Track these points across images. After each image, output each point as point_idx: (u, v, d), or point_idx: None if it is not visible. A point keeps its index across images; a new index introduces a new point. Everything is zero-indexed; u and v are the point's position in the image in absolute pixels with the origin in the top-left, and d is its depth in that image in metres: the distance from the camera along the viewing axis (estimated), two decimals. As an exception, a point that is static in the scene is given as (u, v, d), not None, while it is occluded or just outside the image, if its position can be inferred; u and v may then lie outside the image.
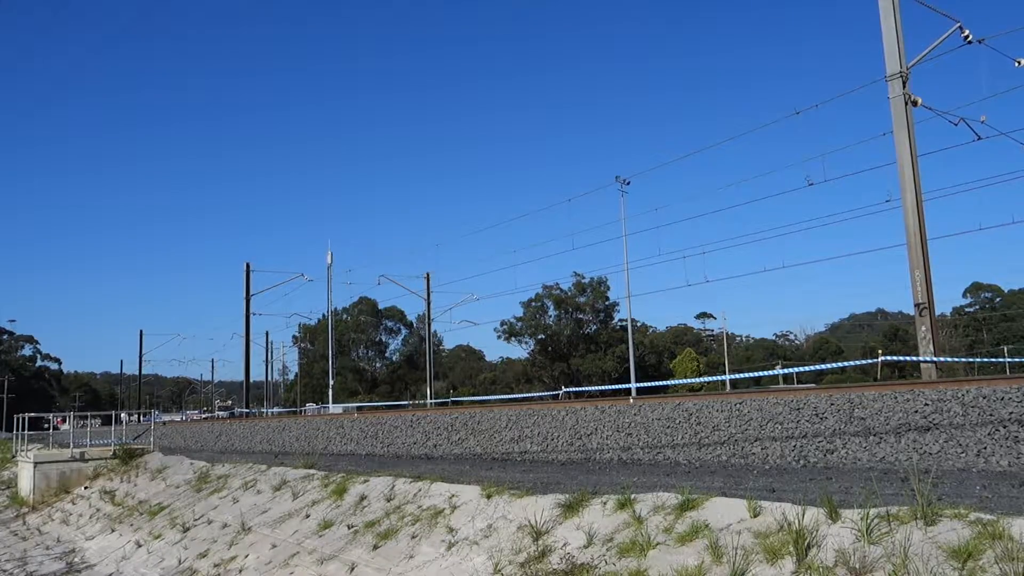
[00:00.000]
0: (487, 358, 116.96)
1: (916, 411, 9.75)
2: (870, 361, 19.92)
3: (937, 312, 17.40)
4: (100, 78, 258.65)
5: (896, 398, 10.04)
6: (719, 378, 32.04)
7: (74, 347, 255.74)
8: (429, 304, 56.53)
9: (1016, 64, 19.05)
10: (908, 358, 20.40)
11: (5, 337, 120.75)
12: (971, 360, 43.34)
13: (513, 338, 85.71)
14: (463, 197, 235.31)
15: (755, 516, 6.84)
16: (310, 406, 65.48)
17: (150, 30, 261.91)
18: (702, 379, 56.57)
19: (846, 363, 30.10)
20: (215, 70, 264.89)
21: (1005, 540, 5.22)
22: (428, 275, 56.02)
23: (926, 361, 16.38)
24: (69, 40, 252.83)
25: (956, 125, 19.10)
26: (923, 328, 16.75)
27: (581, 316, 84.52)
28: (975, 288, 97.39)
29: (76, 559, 17.98)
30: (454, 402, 46.70)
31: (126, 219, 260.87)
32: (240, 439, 29.21)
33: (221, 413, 67.40)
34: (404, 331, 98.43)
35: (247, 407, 49.06)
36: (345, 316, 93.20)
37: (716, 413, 12.14)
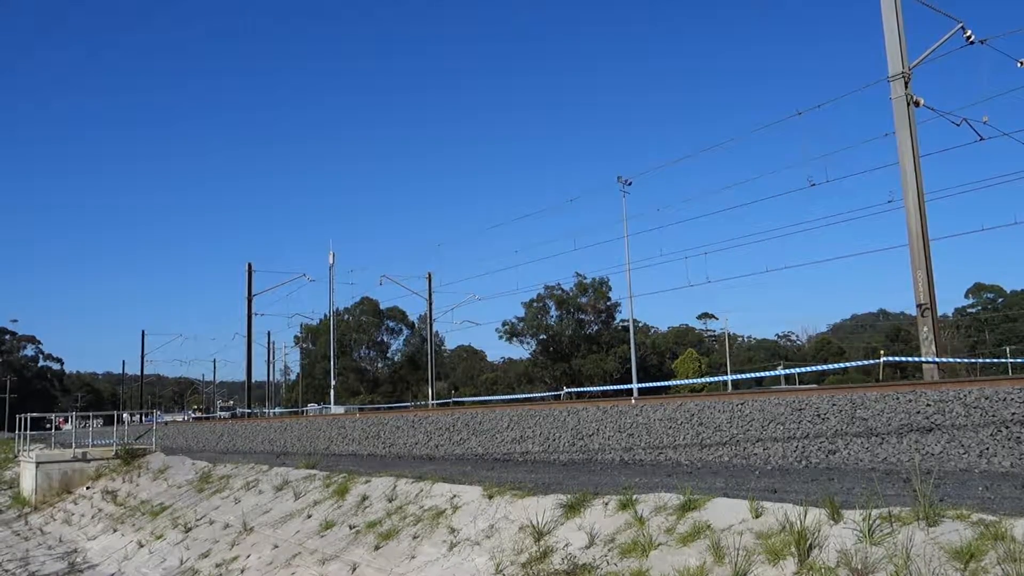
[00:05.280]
0: (489, 358, 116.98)
1: (918, 412, 9.74)
2: (872, 362, 19.90)
3: (939, 313, 17.38)
4: (100, 77, 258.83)
5: (898, 399, 10.03)
6: (721, 379, 32.03)
7: (76, 347, 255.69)
8: (431, 304, 56.57)
9: (1018, 65, 19.03)
10: (910, 359, 20.39)
11: (7, 337, 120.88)
12: (973, 361, 43.28)
13: (515, 338, 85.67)
14: (465, 197, 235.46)
15: (757, 517, 6.83)
16: (312, 406, 65.49)
17: (151, 28, 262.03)
18: (704, 380, 56.57)
19: (848, 364, 30.11)
20: (216, 69, 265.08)
21: (1007, 541, 5.21)
22: (430, 275, 56.06)
23: (928, 362, 16.36)
24: (69, 38, 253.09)
25: (958, 125, 19.08)
26: (925, 329, 16.74)
27: (583, 316, 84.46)
28: (977, 289, 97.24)
29: (78, 559, 18.00)
30: (456, 402, 46.73)
31: (128, 219, 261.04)
32: (242, 439, 29.23)
33: (223, 413, 67.44)
34: (406, 331, 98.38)
35: (249, 407, 49.12)
36: (347, 316, 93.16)
37: (718, 414, 12.13)
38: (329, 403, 51.70)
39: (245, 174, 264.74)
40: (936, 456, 9.25)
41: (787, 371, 40.61)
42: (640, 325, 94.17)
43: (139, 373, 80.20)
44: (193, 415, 79.49)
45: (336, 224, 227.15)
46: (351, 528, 11.38)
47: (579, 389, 46.62)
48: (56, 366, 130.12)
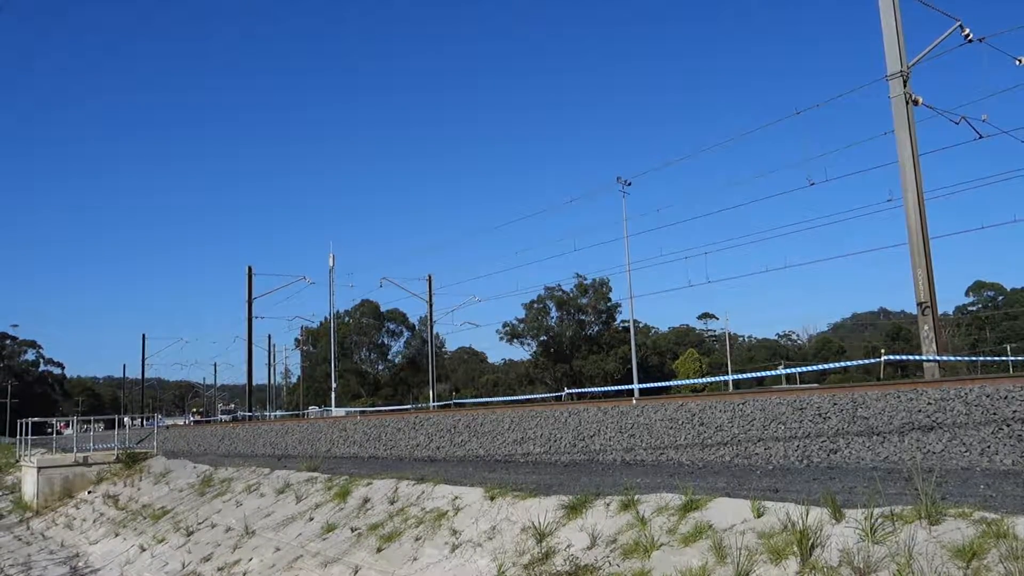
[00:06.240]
0: (489, 360, 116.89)
1: (919, 410, 9.74)
2: (873, 361, 19.89)
3: (940, 311, 17.37)
4: (101, 81, 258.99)
5: (899, 397, 10.03)
6: (722, 378, 32.03)
7: (77, 351, 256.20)
8: (431, 306, 56.58)
9: (1017, 63, 19.03)
10: (911, 357, 20.38)
11: (8, 342, 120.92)
12: (974, 359, 43.29)
13: (515, 340, 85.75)
14: (464, 199, 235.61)
15: (759, 516, 6.83)
16: (313, 409, 65.50)
17: (151, 32, 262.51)
18: (705, 380, 56.61)
19: (849, 363, 30.13)
20: (216, 72, 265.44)
21: (1010, 539, 5.21)
22: (430, 277, 56.14)
23: (929, 360, 16.36)
24: (70, 43, 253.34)
25: (957, 124, 19.09)
26: (926, 327, 16.74)
27: (583, 317, 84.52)
28: (978, 287, 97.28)
29: (80, 563, 18.00)
30: (457, 404, 46.68)
31: (128, 222, 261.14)
32: (243, 442, 29.23)
33: (223, 416, 67.45)
34: (406, 333, 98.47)
35: (250, 410, 49.12)
36: (347, 319, 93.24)
37: (719, 414, 12.13)
38: (330, 406, 51.70)
39: (245, 176, 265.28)
40: (938, 454, 9.25)
41: (788, 370, 40.61)
42: (641, 325, 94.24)
43: (140, 377, 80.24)
44: (192, 419, 79.42)
45: (336, 226, 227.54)
46: (353, 530, 11.38)
47: (580, 390, 46.62)
48: (57, 370, 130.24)
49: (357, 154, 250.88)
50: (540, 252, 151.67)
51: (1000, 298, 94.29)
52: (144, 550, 16.57)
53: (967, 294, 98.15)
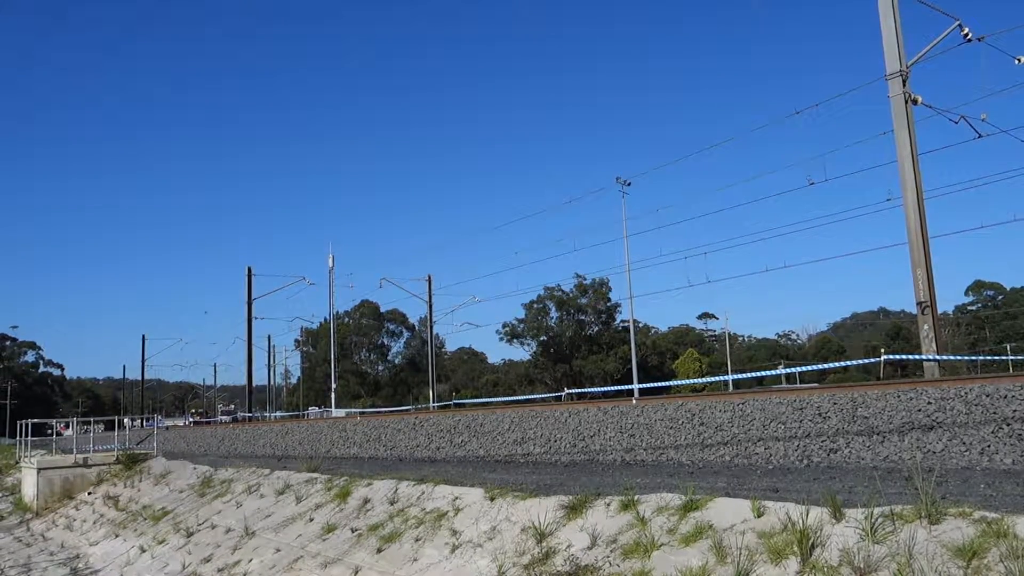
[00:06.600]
0: (489, 360, 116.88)
1: (919, 410, 9.74)
2: (873, 360, 19.91)
3: (939, 310, 17.39)
4: (101, 81, 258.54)
5: (899, 397, 10.03)
6: (722, 378, 32.07)
7: (77, 353, 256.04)
8: (431, 307, 56.58)
9: (1016, 62, 19.05)
10: (911, 356, 20.39)
11: (8, 343, 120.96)
12: (974, 358, 43.30)
13: (515, 340, 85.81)
14: (464, 199, 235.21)
15: (759, 516, 6.83)
16: (313, 409, 65.51)
17: (150, 32, 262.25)
18: (705, 379, 56.58)
19: (849, 362, 30.12)
20: (216, 72, 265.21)
21: (1010, 538, 5.21)
22: (430, 278, 56.17)
23: (929, 359, 16.38)
24: (70, 42, 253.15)
25: (956, 123, 19.11)
26: (925, 326, 16.75)
27: (583, 317, 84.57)
28: (977, 286, 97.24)
29: (80, 564, 18.00)
30: (456, 404, 46.68)
31: (128, 223, 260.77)
32: (243, 443, 29.22)
33: (223, 417, 67.45)
34: (406, 334, 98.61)
35: (250, 411, 49.11)
36: (347, 319, 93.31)
37: (719, 413, 12.13)
38: (330, 406, 51.73)
39: (245, 177, 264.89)
40: (938, 454, 9.25)
41: (788, 370, 40.70)
42: (640, 325, 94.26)
43: (140, 378, 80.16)
44: (192, 419, 79.32)
45: (336, 226, 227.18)
46: (353, 531, 11.38)
47: (580, 390, 46.66)
48: (57, 372, 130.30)
49: (357, 154, 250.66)
50: (540, 252, 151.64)
51: (1000, 297, 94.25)
52: (144, 551, 16.57)
53: (967, 293, 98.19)
